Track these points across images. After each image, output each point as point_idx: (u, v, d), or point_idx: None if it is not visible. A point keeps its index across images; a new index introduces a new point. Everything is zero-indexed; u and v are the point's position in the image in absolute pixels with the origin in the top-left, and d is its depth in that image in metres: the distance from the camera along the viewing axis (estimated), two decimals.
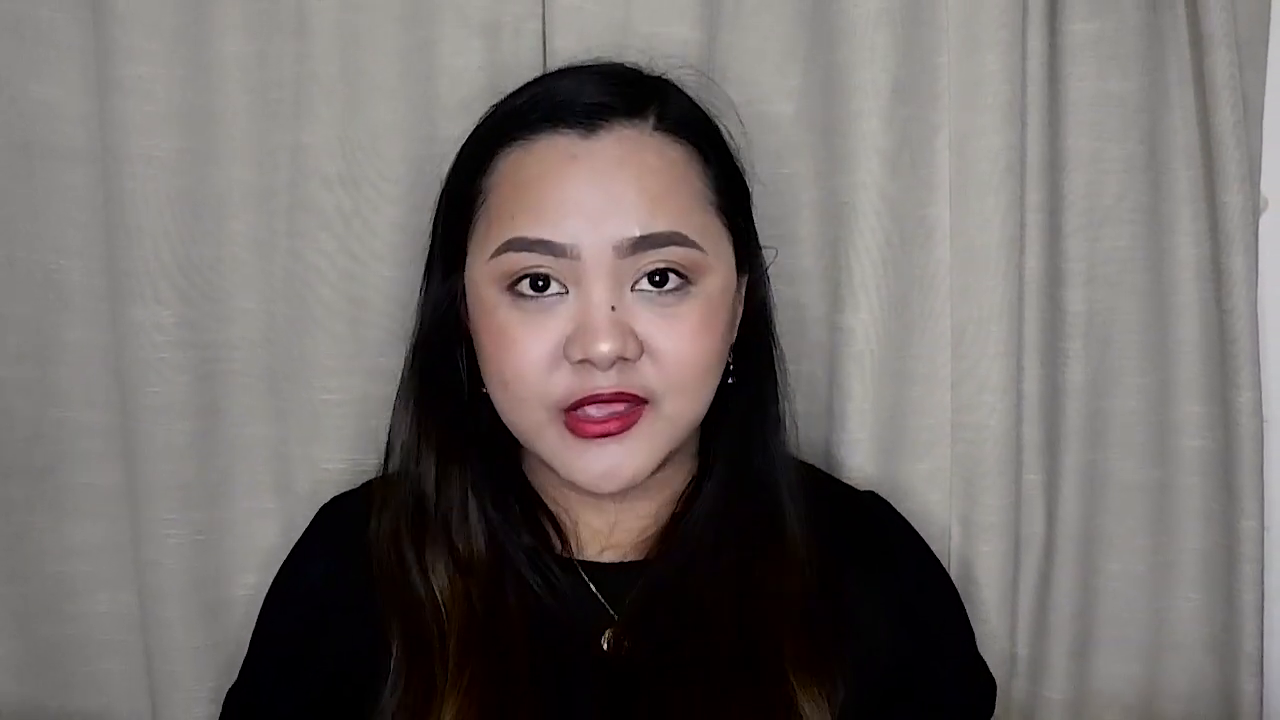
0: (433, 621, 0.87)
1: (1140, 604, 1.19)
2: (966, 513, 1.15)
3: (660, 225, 0.80)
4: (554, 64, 1.09)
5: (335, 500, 1.00)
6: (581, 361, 0.80)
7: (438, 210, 0.92)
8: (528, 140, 0.82)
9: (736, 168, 0.91)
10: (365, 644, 0.88)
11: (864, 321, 1.12)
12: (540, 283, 0.81)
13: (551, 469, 0.86)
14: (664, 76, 0.91)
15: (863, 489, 1.03)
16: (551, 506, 0.93)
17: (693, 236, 0.81)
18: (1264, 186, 1.14)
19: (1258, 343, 1.11)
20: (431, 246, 0.93)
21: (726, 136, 0.92)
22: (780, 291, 1.12)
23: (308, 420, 1.13)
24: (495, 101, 0.91)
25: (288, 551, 1.00)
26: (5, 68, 1.06)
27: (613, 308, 0.79)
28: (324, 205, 1.10)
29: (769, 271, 0.96)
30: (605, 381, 0.80)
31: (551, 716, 0.85)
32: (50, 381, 1.11)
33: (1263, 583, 1.12)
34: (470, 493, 0.90)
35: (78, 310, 1.11)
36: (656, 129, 0.83)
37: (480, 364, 0.87)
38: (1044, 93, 1.12)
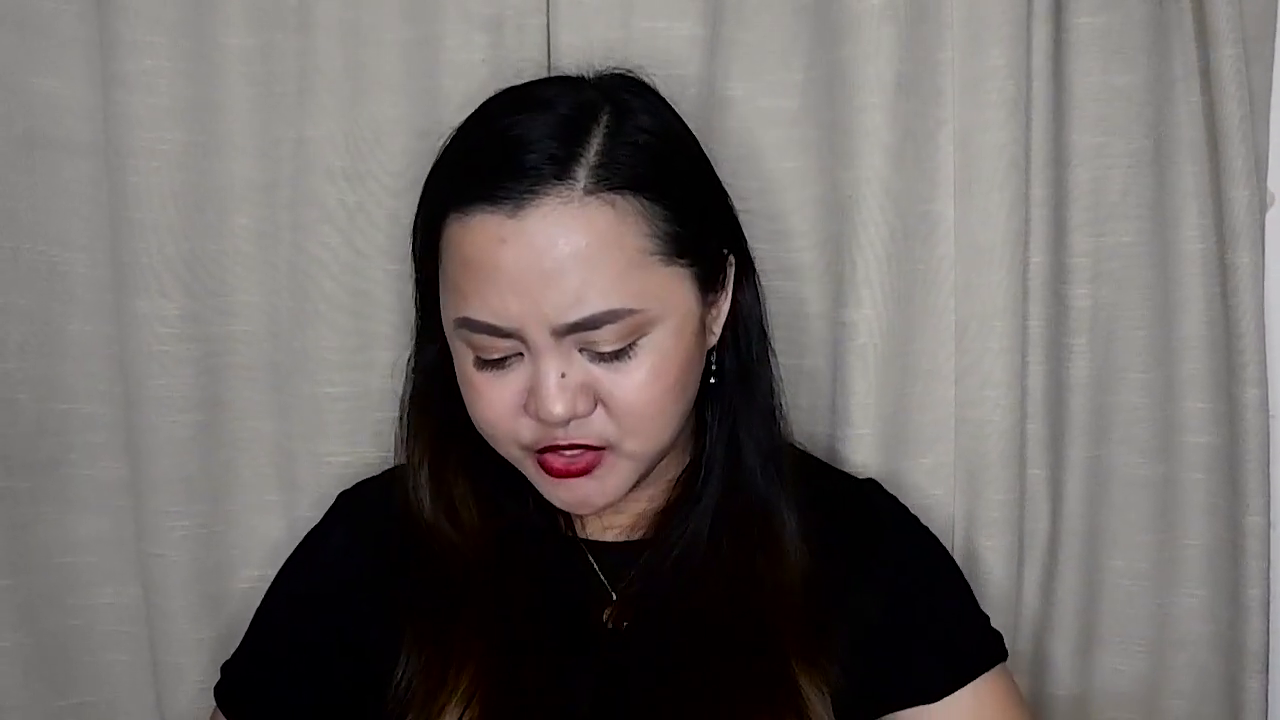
0: (443, 604, 0.89)
1: (1144, 600, 1.18)
2: (970, 508, 1.15)
3: (591, 308, 0.79)
4: (558, 60, 1.10)
5: (356, 486, 1.02)
6: (540, 420, 0.83)
7: (413, 256, 0.91)
8: (464, 215, 0.81)
9: (696, 187, 0.88)
10: (378, 621, 0.90)
11: (867, 317, 1.12)
12: (501, 360, 0.84)
13: None
14: (620, 73, 0.90)
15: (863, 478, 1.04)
16: None
17: (629, 305, 0.80)
18: (1270, 182, 1.13)
19: (1264, 338, 1.10)
20: (417, 281, 0.93)
21: (692, 145, 0.90)
22: (783, 286, 1.13)
23: (311, 414, 1.14)
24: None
25: (291, 544, 1.01)
26: (9, 61, 1.07)
27: (562, 374, 0.81)
28: (327, 199, 1.11)
29: (764, 262, 0.95)
30: (560, 434, 0.83)
31: (554, 690, 0.87)
32: (54, 374, 1.12)
33: (1268, 579, 1.11)
34: (471, 480, 0.93)
35: (81, 303, 1.12)
36: (588, 190, 0.80)
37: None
38: (1048, 87, 1.11)
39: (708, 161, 0.91)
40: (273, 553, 1.11)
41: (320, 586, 0.96)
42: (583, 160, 0.80)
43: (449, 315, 0.84)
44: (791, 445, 0.98)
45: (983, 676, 0.93)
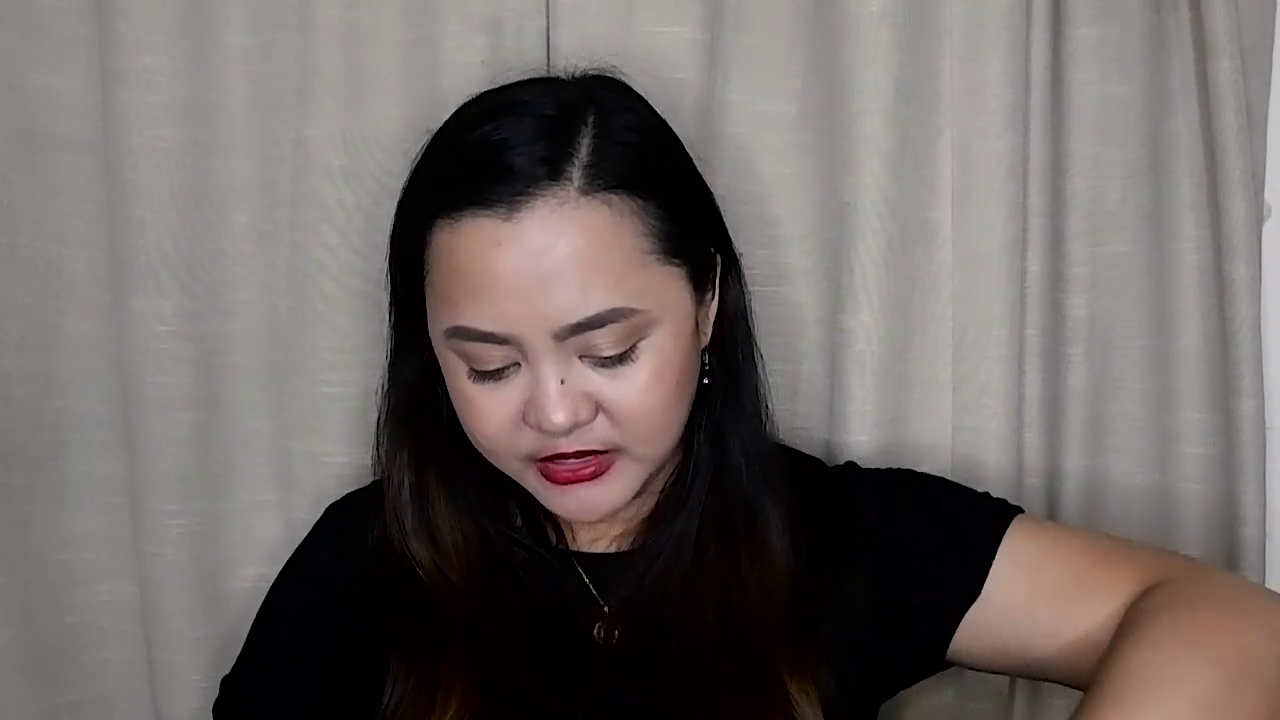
0: (430, 622, 0.88)
1: None
2: None
3: (593, 308, 0.78)
4: (557, 62, 1.09)
5: (345, 498, 1.01)
6: (541, 430, 0.81)
7: (389, 271, 0.90)
8: (454, 222, 0.80)
9: (683, 182, 0.88)
10: (368, 639, 0.89)
11: (865, 323, 1.12)
12: (497, 371, 0.82)
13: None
14: (602, 73, 0.89)
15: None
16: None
17: (630, 305, 0.79)
18: (1268, 194, 1.13)
19: (1260, 350, 1.10)
20: (390, 299, 0.91)
21: (674, 141, 0.89)
22: (780, 292, 1.13)
23: (308, 413, 1.14)
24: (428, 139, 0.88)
25: (288, 543, 1.01)
26: (8, 58, 1.07)
27: (561, 381, 0.80)
28: (326, 198, 1.11)
29: (761, 267, 0.95)
30: (566, 443, 0.82)
31: (547, 707, 0.86)
32: (51, 371, 1.12)
33: None
34: (454, 499, 0.91)
35: (79, 300, 1.12)
36: (582, 190, 0.79)
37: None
38: (1047, 96, 1.11)
39: (689, 158, 0.90)
40: (270, 552, 1.12)
41: (312, 602, 0.95)
42: (575, 160, 0.79)
43: (438, 326, 0.82)
44: (775, 442, 0.96)
45: (1007, 538, 0.89)
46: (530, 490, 0.87)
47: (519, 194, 0.78)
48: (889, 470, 1.00)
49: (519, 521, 0.94)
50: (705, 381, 0.90)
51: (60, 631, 1.15)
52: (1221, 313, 1.12)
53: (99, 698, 1.17)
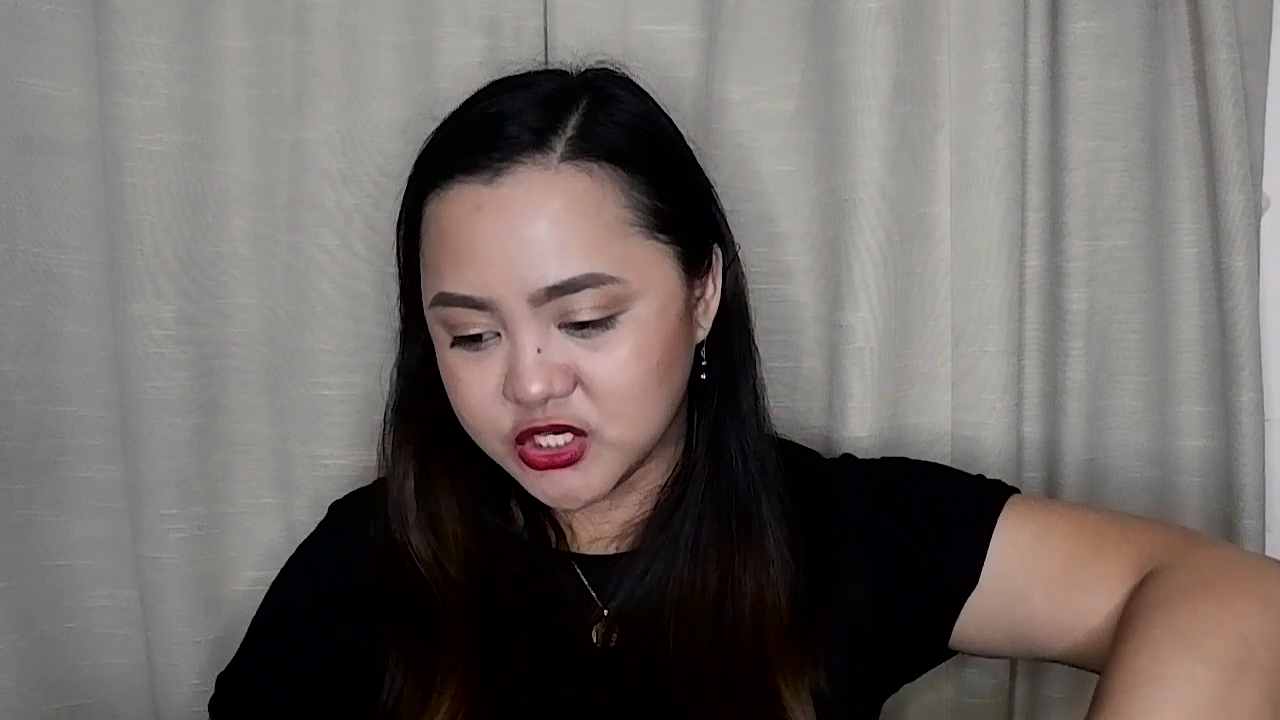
0: (428, 616, 0.88)
1: None
2: None
3: (570, 271, 0.79)
4: (555, 63, 1.09)
5: (348, 496, 1.01)
6: (517, 400, 0.81)
7: (397, 249, 0.91)
8: (442, 190, 0.82)
9: (677, 167, 0.89)
10: (367, 637, 0.89)
11: (864, 319, 1.12)
12: (479, 337, 0.83)
13: None
14: (603, 68, 0.90)
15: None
16: (550, 508, 0.93)
17: (609, 272, 0.80)
18: (1265, 186, 1.13)
19: (1259, 342, 1.11)
20: (400, 280, 0.92)
21: (673, 132, 0.90)
22: (779, 289, 1.13)
23: (308, 416, 1.14)
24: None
25: (288, 546, 1.00)
26: (6, 63, 1.07)
27: (539, 350, 0.80)
28: (324, 201, 1.11)
29: (760, 265, 0.94)
30: (540, 415, 0.82)
31: (543, 709, 0.86)
32: (50, 376, 1.12)
33: None
34: (457, 493, 0.91)
35: (78, 305, 1.12)
36: (566, 158, 0.80)
37: None
38: (1045, 91, 1.11)
39: (692, 155, 0.91)
40: (269, 555, 1.11)
41: (312, 599, 0.95)
42: (560, 132, 0.81)
43: (428, 296, 0.84)
44: (774, 437, 0.95)
45: (1001, 522, 0.88)
46: (514, 475, 0.87)
47: (503, 160, 0.80)
48: (882, 460, 0.99)
49: (520, 522, 0.93)
50: (704, 378, 0.90)
51: (60, 636, 1.15)
52: (1220, 305, 1.12)
53: (99, 702, 1.17)
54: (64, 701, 1.15)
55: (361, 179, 1.11)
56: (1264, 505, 1.12)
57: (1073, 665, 0.86)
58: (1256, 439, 1.11)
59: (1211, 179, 1.10)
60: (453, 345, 0.83)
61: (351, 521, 0.97)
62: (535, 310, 0.79)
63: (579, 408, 0.82)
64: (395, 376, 0.94)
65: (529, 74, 0.89)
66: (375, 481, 0.99)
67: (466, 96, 0.89)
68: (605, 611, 0.90)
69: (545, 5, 1.10)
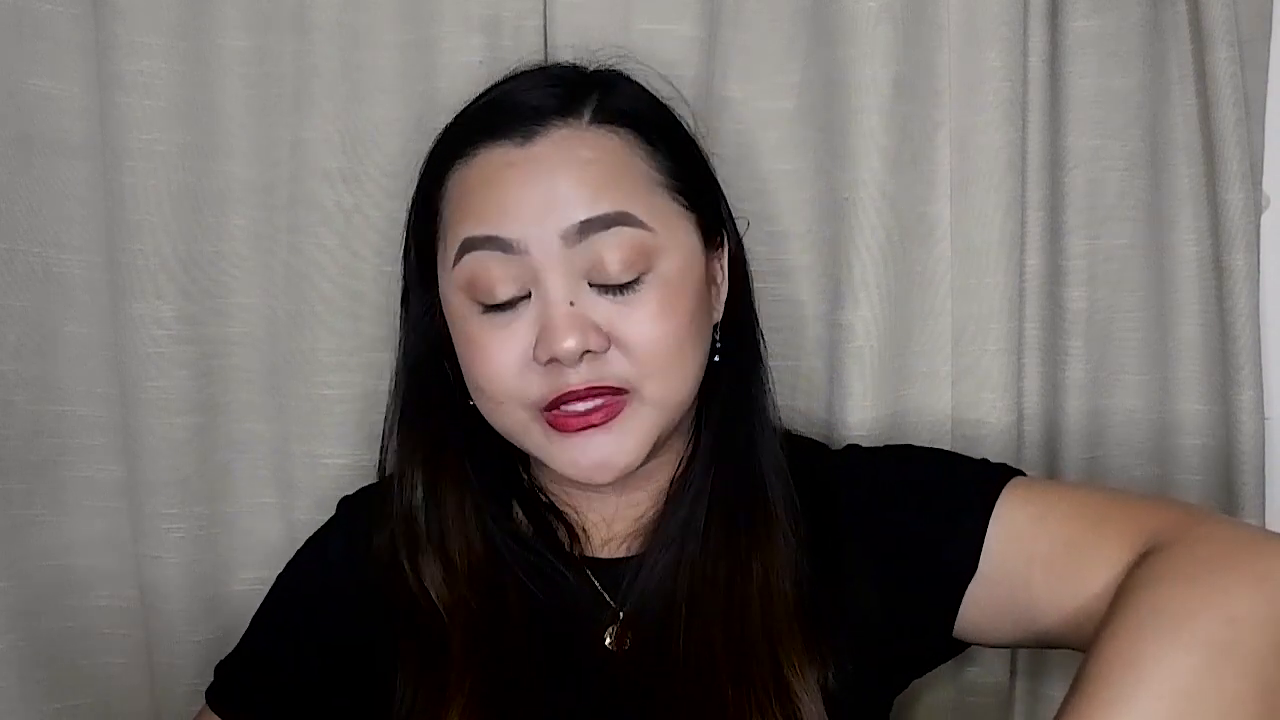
0: (435, 630, 0.87)
1: None
2: None
3: (603, 208, 0.80)
4: (556, 60, 1.09)
5: (359, 492, 1.01)
6: (550, 361, 0.80)
7: (406, 238, 0.92)
8: (469, 156, 0.84)
9: (690, 148, 0.91)
10: (374, 637, 0.90)
11: (864, 318, 1.12)
12: (504, 300, 0.82)
13: (545, 464, 0.87)
14: (609, 68, 0.92)
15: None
16: (557, 504, 0.93)
17: (640, 216, 0.81)
18: (1265, 185, 1.13)
19: (1259, 341, 1.11)
20: (405, 272, 0.93)
21: (682, 120, 0.92)
22: (780, 288, 1.13)
23: (308, 415, 1.14)
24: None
25: (288, 546, 1.01)
26: (5, 62, 1.07)
27: (571, 303, 0.80)
28: (324, 200, 1.11)
29: (760, 264, 0.95)
30: (576, 378, 0.81)
31: (557, 716, 0.85)
32: (50, 376, 1.12)
33: None
34: (464, 500, 0.91)
35: (78, 305, 1.12)
36: (593, 122, 0.83)
37: (462, 373, 0.88)
38: (1045, 89, 1.11)
39: (697, 144, 0.93)
40: (270, 555, 1.11)
41: (319, 592, 0.95)
42: (587, 102, 0.85)
43: (449, 259, 0.84)
44: (780, 428, 0.95)
45: (999, 506, 0.86)
46: (535, 452, 0.86)
47: (533, 123, 0.82)
48: (887, 449, 0.98)
49: (527, 526, 0.93)
50: (716, 359, 0.90)
51: (61, 636, 1.15)
52: (1220, 304, 1.12)
53: (99, 703, 1.17)
54: (64, 701, 1.15)
55: (361, 178, 1.11)
56: (1264, 504, 1.12)
57: (1078, 649, 0.84)
58: (1256, 437, 1.11)
59: (1211, 177, 1.10)
60: (477, 311, 0.83)
61: (362, 519, 0.96)
62: (567, 253, 0.80)
63: (617, 365, 0.82)
64: (398, 375, 0.94)
65: (540, 66, 0.92)
66: (386, 478, 0.98)
67: (467, 95, 0.89)
68: (620, 615, 0.89)
69: (545, 4, 1.11)
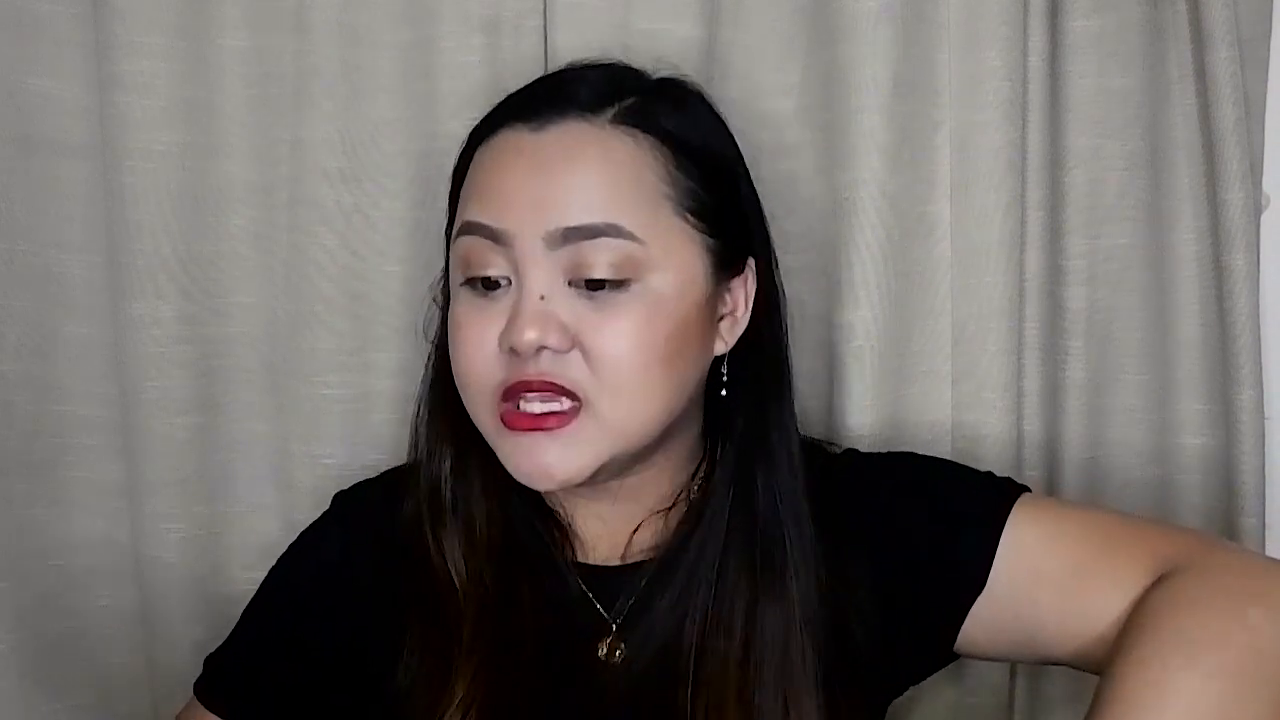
0: (449, 607, 0.87)
1: None
2: None
3: (592, 217, 0.79)
4: (555, 60, 1.09)
5: (354, 487, 1.00)
6: (511, 351, 0.80)
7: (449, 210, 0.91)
8: (491, 137, 0.84)
9: (728, 176, 0.87)
10: (372, 629, 0.89)
11: (864, 318, 1.12)
12: (491, 281, 0.82)
13: None
14: (681, 80, 0.90)
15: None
16: (554, 510, 0.92)
17: (631, 229, 0.79)
18: (1265, 184, 1.13)
19: (1259, 340, 1.11)
20: (446, 246, 0.91)
21: (736, 148, 0.89)
22: None
23: (308, 415, 1.14)
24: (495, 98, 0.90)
25: (288, 546, 1.00)
26: (5, 62, 1.07)
27: (542, 297, 0.79)
28: (324, 200, 1.11)
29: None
30: (532, 369, 0.79)
31: (554, 708, 0.85)
32: (50, 376, 1.12)
33: None
34: (488, 481, 0.89)
35: (78, 305, 1.12)
36: (615, 122, 0.82)
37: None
38: (1045, 89, 1.11)
39: (747, 169, 0.90)
40: (270, 554, 1.10)
41: (313, 587, 0.95)
42: (619, 100, 0.83)
43: (454, 231, 0.85)
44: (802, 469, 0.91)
45: (1009, 525, 0.85)
46: (492, 445, 0.84)
47: (554, 112, 0.82)
48: (889, 456, 0.97)
49: (536, 526, 0.91)
50: (724, 394, 0.88)
51: (61, 636, 1.15)
52: (1220, 304, 1.12)
53: (99, 703, 1.17)
54: (64, 701, 1.15)
55: (361, 178, 1.11)
56: (1264, 503, 1.12)
57: (1077, 668, 0.85)
58: (1256, 437, 1.11)
59: (1211, 177, 1.10)
60: (464, 284, 0.83)
61: (358, 512, 0.96)
62: (549, 254, 0.79)
63: (574, 369, 0.80)
64: (431, 355, 0.93)
65: (608, 61, 0.91)
66: (382, 474, 0.99)
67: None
68: (614, 626, 0.88)
69: (545, 4, 1.11)
